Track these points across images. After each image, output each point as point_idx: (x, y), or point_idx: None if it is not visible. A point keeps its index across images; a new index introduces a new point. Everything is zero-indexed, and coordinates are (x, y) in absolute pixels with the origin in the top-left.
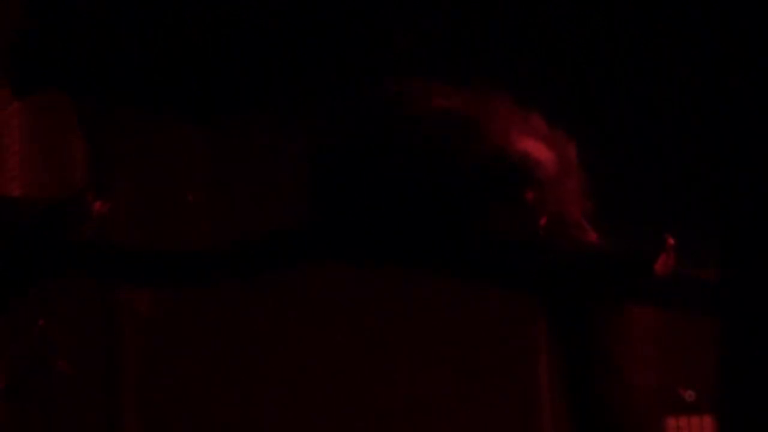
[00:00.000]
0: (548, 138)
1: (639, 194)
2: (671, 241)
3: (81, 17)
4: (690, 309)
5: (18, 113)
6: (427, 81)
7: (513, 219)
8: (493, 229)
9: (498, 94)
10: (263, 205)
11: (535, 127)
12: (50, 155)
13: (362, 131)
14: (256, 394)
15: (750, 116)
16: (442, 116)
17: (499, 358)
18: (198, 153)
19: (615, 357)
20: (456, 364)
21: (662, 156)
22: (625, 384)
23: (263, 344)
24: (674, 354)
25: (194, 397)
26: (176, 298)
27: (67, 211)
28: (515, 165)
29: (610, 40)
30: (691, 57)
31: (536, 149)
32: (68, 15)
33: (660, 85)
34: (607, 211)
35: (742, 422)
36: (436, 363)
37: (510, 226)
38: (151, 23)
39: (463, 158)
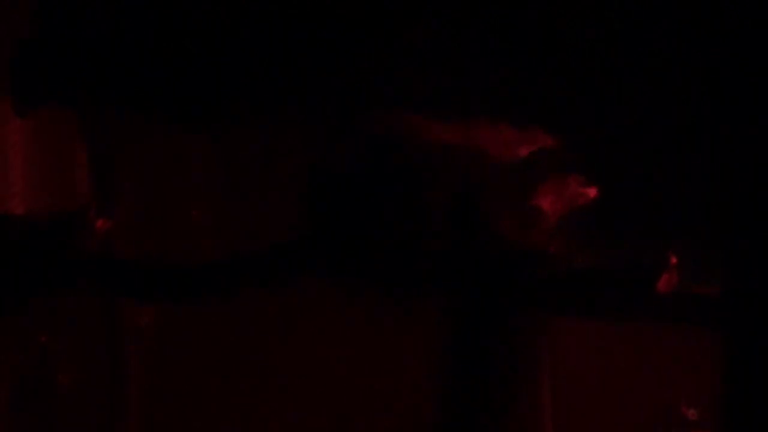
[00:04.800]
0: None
1: (641, 210)
2: (674, 259)
3: (84, 31)
4: (693, 326)
5: (20, 129)
6: (427, 113)
7: (513, 236)
8: (490, 246)
9: (489, 123)
10: (268, 219)
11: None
12: (53, 171)
13: (361, 153)
14: (260, 408)
15: (753, 132)
16: (440, 149)
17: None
18: (202, 168)
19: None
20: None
21: (664, 172)
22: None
23: (269, 359)
24: (677, 371)
25: (197, 411)
26: (179, 312)
27: (70, 226)
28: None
29: (609, 61)
30: (694, 71)
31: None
32: (71, 28)
33: (662, 101)
34: (609, 227)
35: None
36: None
37: (511, 243)
38: (155, 35)
39: (457, 182)
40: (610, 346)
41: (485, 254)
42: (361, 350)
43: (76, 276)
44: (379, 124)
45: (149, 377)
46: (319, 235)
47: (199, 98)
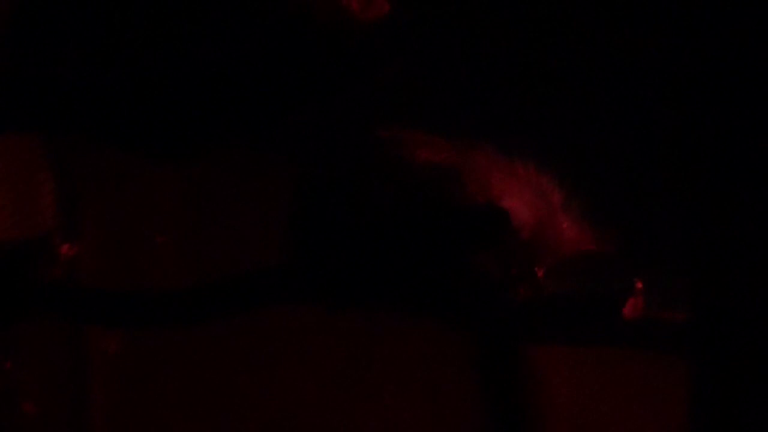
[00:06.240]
0: (531, 188)
1: (608, 236)
2: (639, 284)
3: (52, 59)
4: (659, 352)
5: None
6: (413, 130)
7: (491, 266)
8: (469, 273)
9: (482, 146)
10: (235, 245)
11: (518, 176)
12: (18, 197)
13: (344, 174)
14: None
15: (721, 159)
16: (427, 169)
17: (465, 398)
18: (169, 193)
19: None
20: (427, 406)
21: (630, 198)
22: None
23: (235, 386)
24: (643, 397)
25: None
26: (147, 339)
27: (35, 253)
28: (494, 216)
29: (587, 100)
30: (665, 104)
31: (516, 202)
32: (39, 57)
33: (630, 130)
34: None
35: None
36: (404, 406)
37: (488, 272)
38: (123, 64)
39: (443, 208)
40: (576, 371)
41: (462, 281)
42: (340, 377)
43: (40, 302)
44: (375, 141)
45: (116, 405)
46: (301, 260)
47: (169, 128)
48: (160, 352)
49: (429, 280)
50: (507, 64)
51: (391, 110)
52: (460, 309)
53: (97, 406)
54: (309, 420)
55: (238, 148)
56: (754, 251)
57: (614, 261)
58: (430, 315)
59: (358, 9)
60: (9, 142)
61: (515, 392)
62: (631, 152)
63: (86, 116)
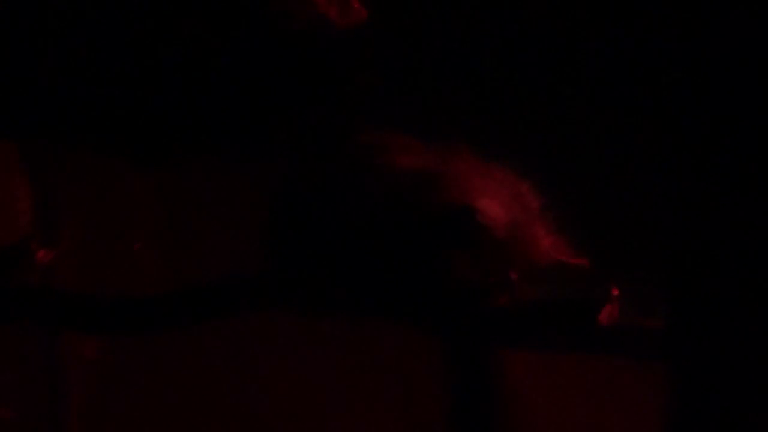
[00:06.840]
0: (509, 194)
1: (584, 243)
2: (615, 291)
3: (26, 64)
4: (634, 358)
5: None
6: (393, 134)
7: (467, 271)
8: (446, 279)
9: (461, 150)
10: (213, 251)
11: (497, 183)
12: None
13: (322, 179)
14: None
15: (698, 166)
16: (405, 173)
17: (441, 404)
18: (146, 199)
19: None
20: (403, 412)
21: (606, 204)
22: None
23: (214, 391)
24: (618, 403)
25: None
26: (123, 344)
27: (11, 258)
28: (471, 223)
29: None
30: (642, 110)
31: (494, 208)
32: (12, 63)
33: (608, 137)
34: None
35: None
36: (381, 411)
37: (464, 277)
38: (99, 66)
39: (421, 214)
40: (552, 378)
41: (439, 285)
42: (318, 382)
43: (17, 307)
44: (354, 145)
45: (93, 410)
46: (279, 265)
47: (144, 132)
48: (137, 357)
49: (406, 284)
50: (487, 69)
51: (369, 115)
52: (437, 314)
53: (74, 411)
54: (286, 424)
55: (216, 155)
56: (732, 258)
57: (590, 268)
58: (406, 320)
59: (336, 15)
60: None
61: (490, 398)
62: (608, 159)
63: (63, 122)
